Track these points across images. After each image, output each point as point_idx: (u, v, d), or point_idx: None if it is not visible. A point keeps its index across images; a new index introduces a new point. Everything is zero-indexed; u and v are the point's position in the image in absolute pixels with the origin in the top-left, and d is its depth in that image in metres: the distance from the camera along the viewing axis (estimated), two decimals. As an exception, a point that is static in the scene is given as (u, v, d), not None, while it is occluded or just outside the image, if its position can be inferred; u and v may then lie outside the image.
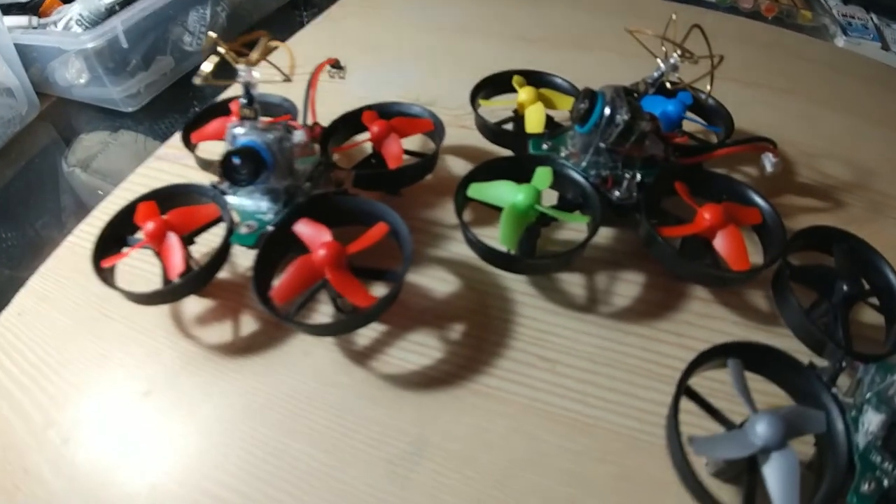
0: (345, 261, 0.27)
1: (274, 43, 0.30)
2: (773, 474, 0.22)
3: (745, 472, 0.23)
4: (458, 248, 0.32)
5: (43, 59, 0.47)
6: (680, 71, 0.30)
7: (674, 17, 0.28)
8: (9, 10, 0.49)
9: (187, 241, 0.29)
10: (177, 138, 0.41)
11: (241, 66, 0.29)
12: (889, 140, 0.43)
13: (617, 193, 0.29)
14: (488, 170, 0.30)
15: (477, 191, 0.29)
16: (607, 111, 0.29)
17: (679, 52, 0.29)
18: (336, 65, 0.36)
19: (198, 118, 0.34)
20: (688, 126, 0.37)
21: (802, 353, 0.25)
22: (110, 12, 0.47)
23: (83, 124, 0.49)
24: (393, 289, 0.26)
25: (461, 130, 0.38)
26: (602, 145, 0.29)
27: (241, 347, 0.29)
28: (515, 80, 0.36)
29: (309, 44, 0.49)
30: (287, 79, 0.30)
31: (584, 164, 0.30)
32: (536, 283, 0.31)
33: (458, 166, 0.37)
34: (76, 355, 0.30)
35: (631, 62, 0.33)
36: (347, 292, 0.26)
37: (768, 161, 0.33)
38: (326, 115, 0.34)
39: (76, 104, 0.49)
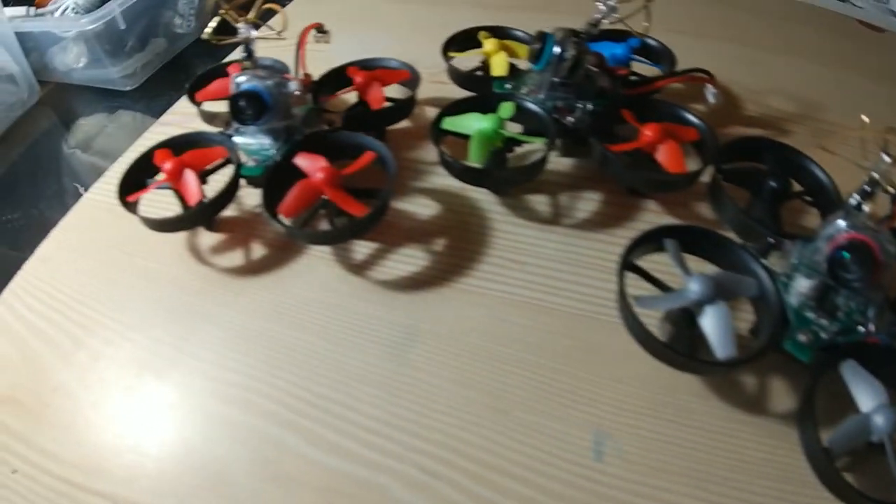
0: (340, 181, 0.34)
1: (268, 6, 0.38)
2: (709, 323, 0.29)
3: (687, 329, 0.30)
4: (438, 180, 0.40)
5: (42, 47, 0.55)
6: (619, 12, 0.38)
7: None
8: (6, 0, 0.57)
9: (200, 180, 0.37)
10: (178, 106, 0.49)
11: (240, 25, 0.37)
12: (839, 79, 0.51)
13: (571, 120, 0.37)
14: (460, 106, 0.38)
15: (450, 123, 0.37)
16: (557, 49, 0.37)
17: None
18: (321, 29, 0.44)
19: (200, 79, 0.42)
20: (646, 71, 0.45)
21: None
22: (104, 1, 0.55)
23: (82, 107, 0.56)
24: (382, 199, 0.34)
25: (436, 85, 0.46)
26: (555, 80, 0.37)
27: (253, 269, 0.37)
28: (481, 34, 0.44)
29: (292, 19, 0.57)
30: (280, 36, 0.38)
31: (541, 97, 0.38)
32: (507, 204, 0.39)
33: (434, 114, 0.45)
34: (102, 288, 0.37)
35: (578, 19, 0.41)
36: (344, 205, 0.34)
37: (709, 93, 0.42)
38: (314, 74, 0.42)
39: (74, 88, 0.57)
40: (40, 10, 0.57)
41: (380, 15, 0.57)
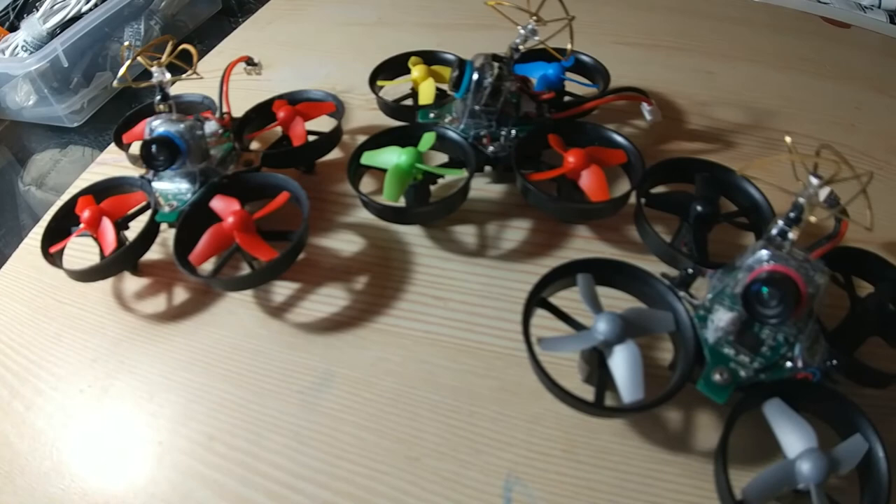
0: (252, 225, 0.35)
1: (183, 46, 0.38)
2: (616, 365, 0.28)
3: (599, 368, 0.30)
4: (365, 214, 0.40)
5: (-6, 85, 0.56)
6: (540, 34, 0.37)
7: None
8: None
9: (121, 225, 0.38)
10: (115, 146, 0.49)
11: (154, 68, 0.37)
12: (794, 82, 0.50)
13: (491, 148, 0.37)
14: (380, 140, 0.38)
15: (368, 158, 0.37)
16: (475, 76, 0.36)
17: (535, 18, 0.36)
18: (250, 62, 0.44)
19: (127, 121, 0.43)
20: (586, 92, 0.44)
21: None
22: (52, 36, 0.56)
23: (34, 144, 0.57)
24: (294, 243, 0.34)
25: (372, 112, 0.46)
26: (476, 108, 0.37)
27: (174, 314, 0.37)
28: (411, 60, 0.43)
29: (238, 46, 0.57)
30: (196, 75, 0.38)
31: (461, 125, 0.38)
32: (433, 236, 0.39)
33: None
34: (34, 337, 0.38)
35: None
36: (253, 250, 0.34)
37: (645, 110, 0.41)
38: (249, 107, 0.42)
39: (27, 125, 0.58)
40: (-8, 49, 0.58)
41: (325, 41, 0.57)
